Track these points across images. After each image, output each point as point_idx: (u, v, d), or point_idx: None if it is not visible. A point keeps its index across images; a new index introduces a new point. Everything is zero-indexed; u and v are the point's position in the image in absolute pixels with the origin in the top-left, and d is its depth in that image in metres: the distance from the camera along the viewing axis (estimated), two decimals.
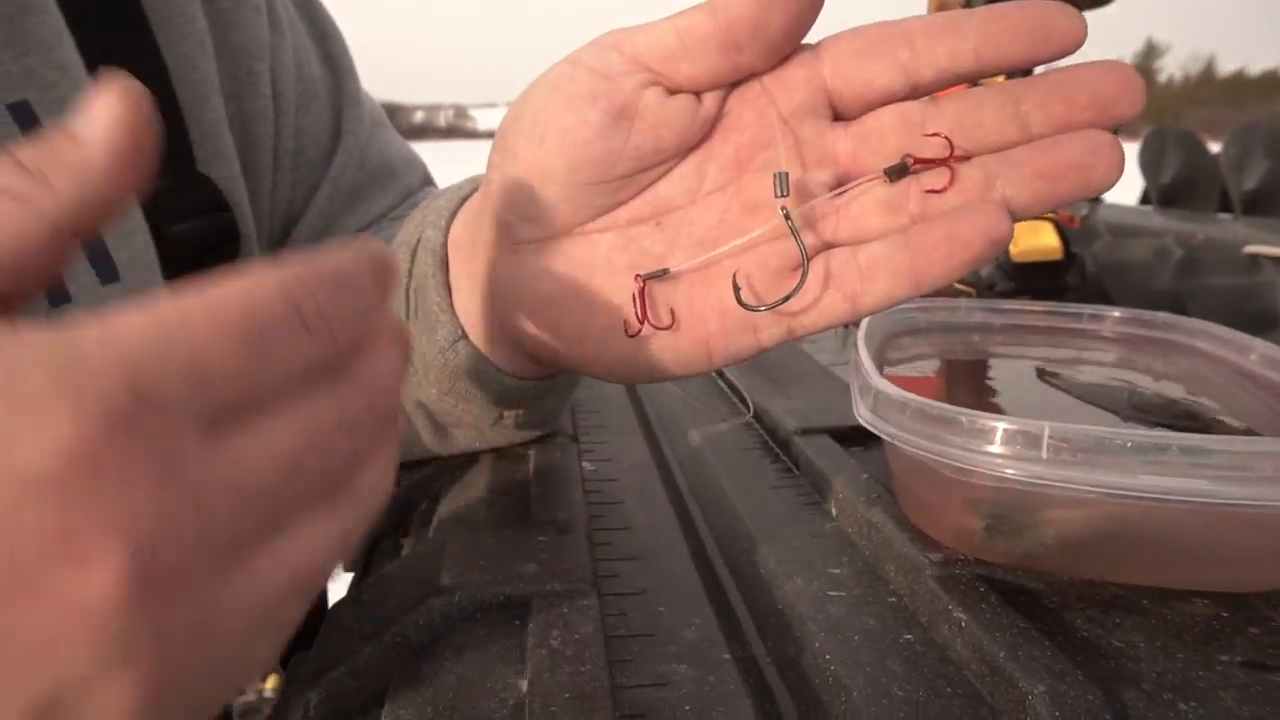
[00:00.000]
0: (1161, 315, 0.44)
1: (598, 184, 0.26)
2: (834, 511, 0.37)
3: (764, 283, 0.26)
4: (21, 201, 0.17)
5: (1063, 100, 0.23)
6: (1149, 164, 0.83)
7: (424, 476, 0.41)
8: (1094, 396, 0.35)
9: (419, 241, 0.34)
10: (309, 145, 0.44)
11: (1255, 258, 0.67)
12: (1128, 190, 1.03)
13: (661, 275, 0.26)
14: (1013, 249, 0.65)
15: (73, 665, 0.15)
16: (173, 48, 0.37)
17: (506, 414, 0.36)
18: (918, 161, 0.24)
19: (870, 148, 0.25)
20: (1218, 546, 0.27)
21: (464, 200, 0.34)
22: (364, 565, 0.38)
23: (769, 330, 0.26)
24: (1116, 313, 0.45)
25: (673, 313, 0.27)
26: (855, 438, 0.43)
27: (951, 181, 0.24)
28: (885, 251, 0.25)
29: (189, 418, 0.16)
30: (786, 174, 0.24)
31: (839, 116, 0.26)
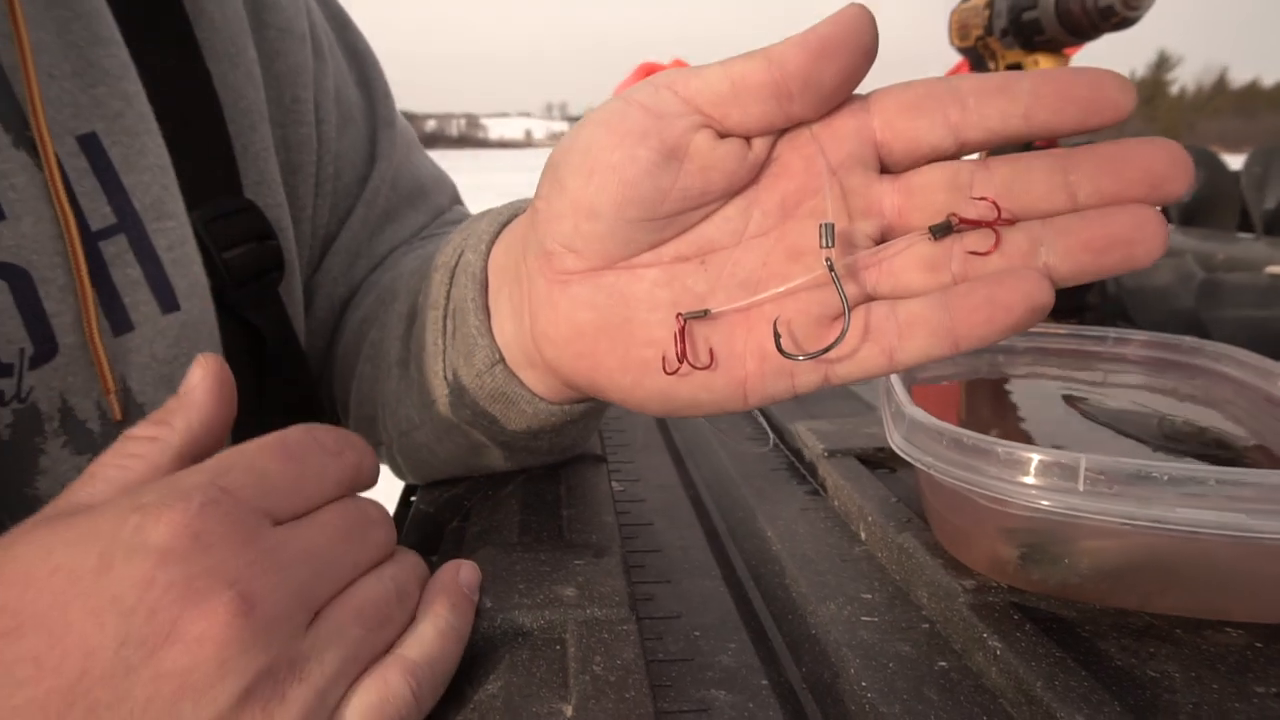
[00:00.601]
0: (1187, 340, 0.44)
1: (644, 221, 0.26)
2: (863, 535, 0.37)
3: (803, 329, 0.26)
4: (156, 440, 0.24)
5: (1113, 175, 0.23)
6: None
7: (453, 496, 0.41)
8: (1123, 424, 0.36)
9: (458, 264, 0.35)
10: (345, 168, 0.45)
11: (1277, 277, 0.67)
12: None
13: (703, 315, 0.26)
14: None
15: (204, 693, 0.20)
16: (224, 78, 0.38)
17: (540, 437, 0.36)
18: (963, 221, 0.24)
19: (916, 204, 0.25)
20: (1252, 578, 0.27)
21: (504, 225, 0.34)
22: None
23: (805, 376, 0.26)
24: (1141, 336, 0.45)
25: (711, 352, 0.27)
26: (882, 461, 0.43)
27: (996, 244, 0.24)
28: (925, 310, 0.25)
29: (259, 508, 0.23)
30: (833, 225, 0.25)
31: (886, 169, 0.26)
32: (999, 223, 0.24)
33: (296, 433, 0.25)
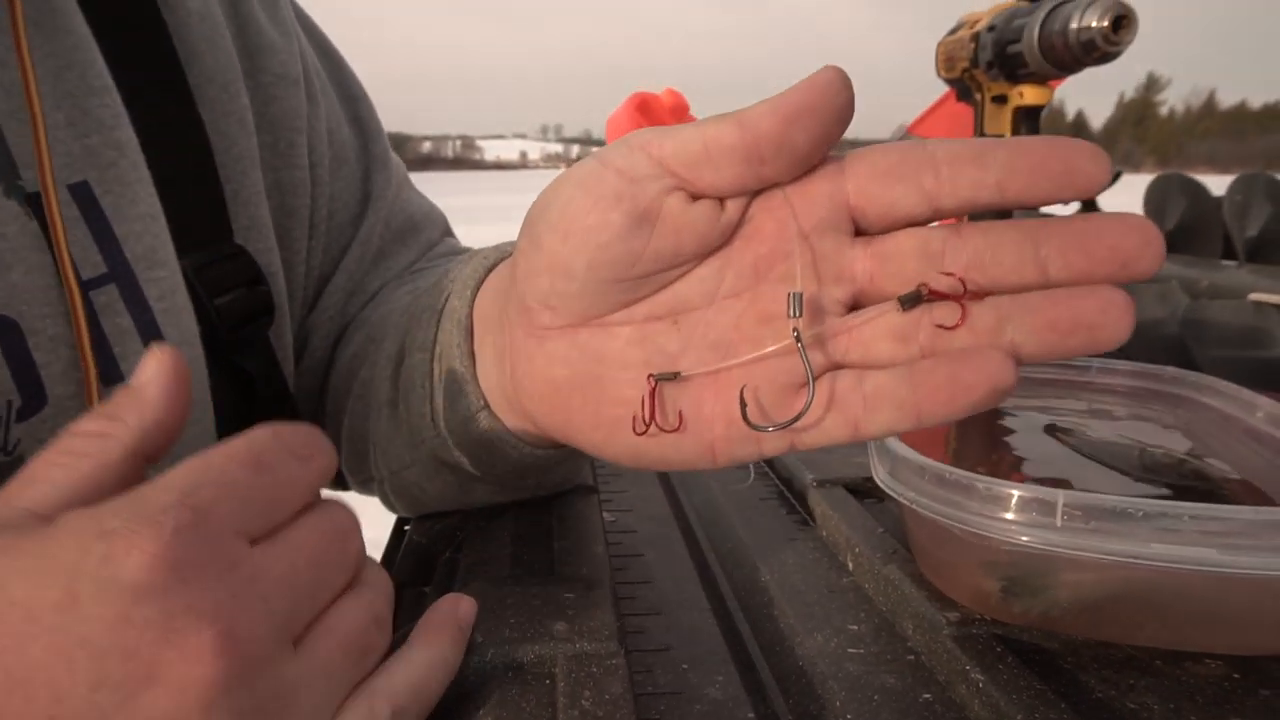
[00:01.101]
0: (1169, 370, 0.45)
1: (617, 281, 0.26)
2: (850, 566, 0.38)
3: (771, 396, 0.26)
4: (105, 437, 0.23)
5: (1082, 251, 0.23)
6: (1153, 210, 0.84)
7: (446, 526, 0.41)
8: (1104, 455, 0.36)
9: (444, 308, 0.35)
10: (339, 209, 0.45)
11: (1259, 304, 0.69)
12: None
13: (673, 378, 0.27)
14: None
15: None
16: (216, 124, 0.38)
17: (526, 476, 0.37)
18: (932, 293, 0.24)
19: (888, 270, 0.25)
20: (1228, 610, 0.27)
21: (489, 270, 0.35)
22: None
23: (772, 443, 0.27)
24: (1125, 366, 0.46)
25: (680, 415, 0.27)
26: (870, 490, 0.44)
27: (963, 320, 0.24)
28: (890, 383, 0.25)
29: (234, 529, 0.21)
30: (801, 294, 0.25)
31: (860, 231, 0.26)
32: (967, 297, 0.24)
33: (264, 438, 0.23)
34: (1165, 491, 0.33)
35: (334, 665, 0.23)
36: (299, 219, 0.43)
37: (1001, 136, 0.70)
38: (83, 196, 0.32)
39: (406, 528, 0.46)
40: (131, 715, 0.19)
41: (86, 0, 0.34)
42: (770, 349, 0.26)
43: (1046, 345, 0.24)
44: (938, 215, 0.25)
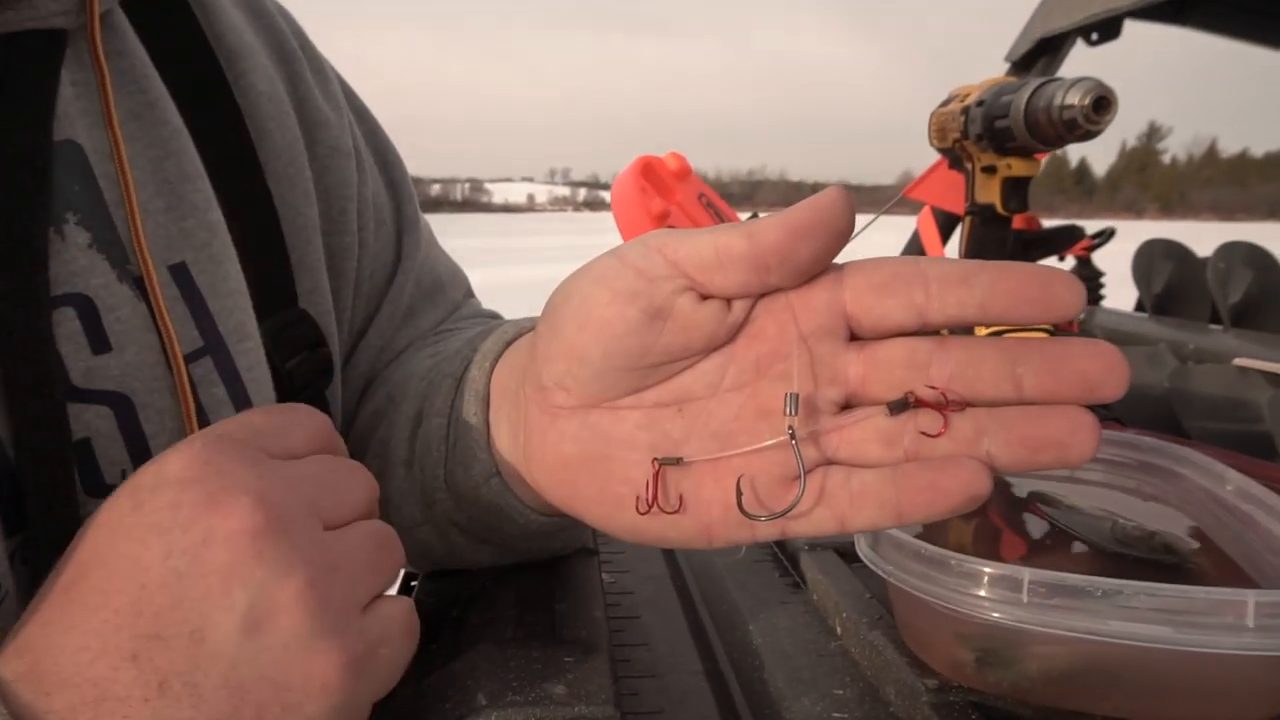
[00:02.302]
0: (1148, 440, 0.47)
1: (629, 370, 0.29)
2: (839, 630, 0.39)
3: (766, 485, 0.28)
4: None
5: (1052, 374, 0.25)
6: (1141, 274, 0.87)
7: (453, 586, 0.43)
8: (1080, 527, 0.38)
9: (464, 377, 0.37)
10: (377, 269, 0.47)
11: (1244, 370, 0.71)
12: (1126, 278, 1.07)
13: (676, 463, 0.29)
14: None
15: (250, 578, 0.23)
16: (283, 197, 0.40)
17: (532, 540, 0.39)
18: (918, 401, 0.26)
19: (878, 376, 0.27)
20: (1185, 683, 0.29)
21: (509, 344, 0.37)
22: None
23: (764, 530, 0.29)
24: (1108, 435, 0.48)
25: (681, 498, 0.29)
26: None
27: (945, 428, 0.26)
28: (875, 484, 0.27)
29: (256, 445, 0.26)
30: (798, 395, 0.27)
31: (854, 336, 0.28)
32: (949, 408, 0.26)
33: (278, 405, 0.29)
34: (1135, 565, 0.35)
35: (365, 550, 0.26)
36: (346, 281, 0.45)
37: (990, 205, 0.73)
38: (181, 277, 0.34)
39: (413, 583, 0.48)
40: (201, 569, 0.23)
41: (178, 93, 0.36)
42: (767, 443, 0.28)
43: (1019, 458, 0.26)
44: (925, 328, 0.27)
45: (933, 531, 0.38)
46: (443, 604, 0.42)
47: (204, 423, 0.34)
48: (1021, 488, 0.45)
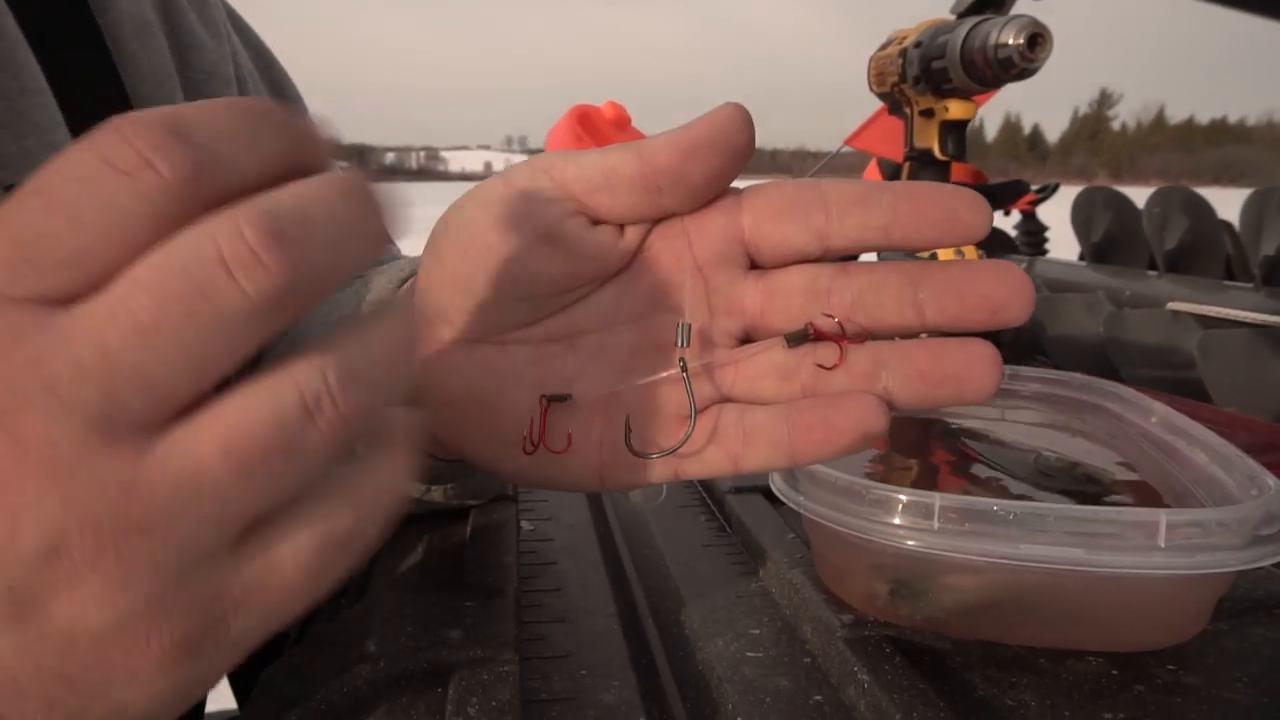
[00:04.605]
0: (1079, 377, 0.46)
1: (515, 300, 0.27)
2: (760, 571, 0.38)
3: (659, 425, 0.27)
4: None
5: (956, 297, 0.24)
6: (1080, 223, 0.87)
7: None
8: (1004, 460, 0.37)
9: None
10: None
11: (1177, 313, 0.71)
12: (1073, 244, 1.07)
13: (564, 399, 0.27)
14: None
15: (20, 551, 0.15)
16: None
17: (435, 487, 0.37)
18: (818, 333, 0.25)
19: (777, 305, 0.26)
20: (1101, 609, 0.28)
21: (404, 282, 0.35)
22: (301, 625, 0.38)
23: (655, 470, 0.27)
24: (1035, 373, 0.47)
25: (569, 437, 0.27)
26: None
27: (840, 361, 0.25)
28: (768, 421, 0.25)
29: (18, 297, 0.15)
30: (690, 325, 0.25)
31: (754, 265, 0.27)
32: (848, 340, 0.25)
33: (62, 166, 0.17)
34: (1057, 496, 0.34)
35: (207, 483, 0.16)
36: None
37: (929, 149, 0.71)
38: None
39: None
40: None
41: (17, 3, 0.34)
42: (658, 376, 0.27)
43: (917, 394, 0.25)
44: (828, 253, 0.26)
45: (850, 465, 0.36)
46: None
47: None
48: (951, 425, 0.44)
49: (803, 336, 0.25)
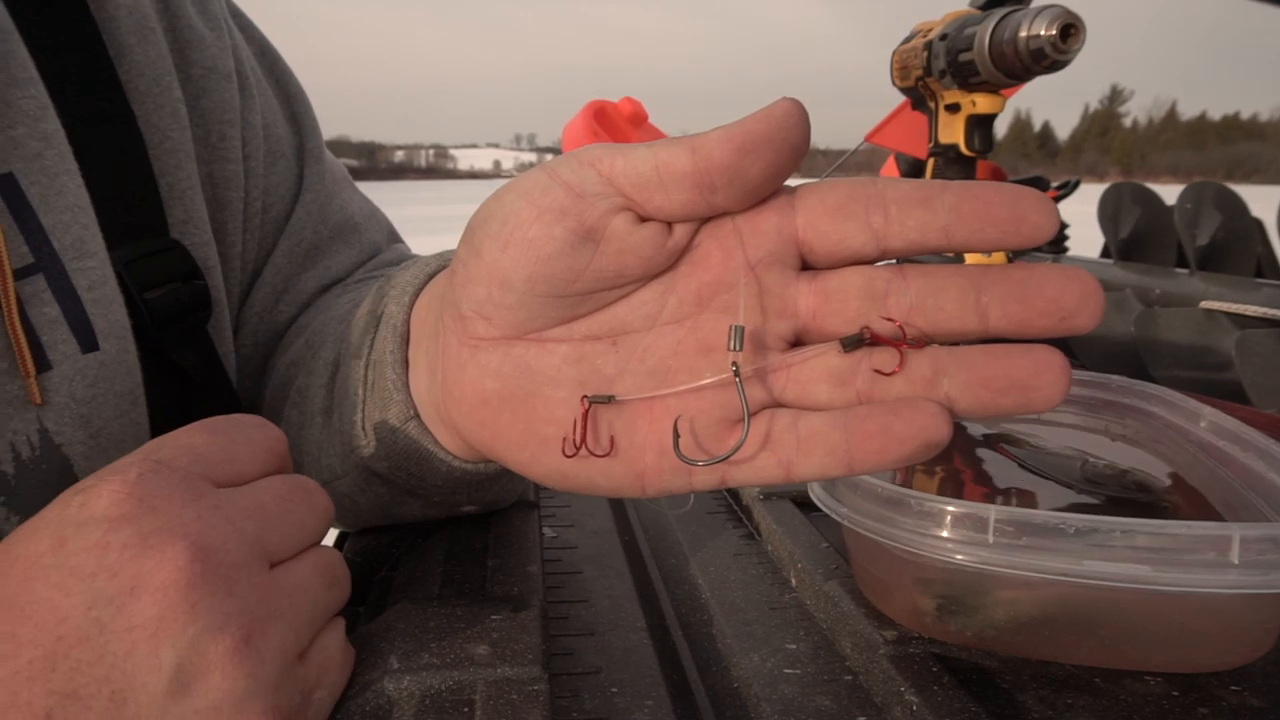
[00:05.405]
0: (1116, 379, 0.44)
1: (556, 296, 0.25)
2: (793, 582, 0.37)
3: (706, 428, 0.26)
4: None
5: (1022, 301, 0.23)
6: (1107, 219, 0.85)
7: (382, 544, 0.40)
8: (1048, 468, 0.36)
9: (382, 314, 0.34)
10: (274, 203, 0.45)
11: (1210, 312, 0.69)
12: (1093, 243, 1.05)
13: (607, 401, 0.26)
14: None
15: (182, 635, 0.21)
16: (149, 118, 0.37)
17: (457, 492, 0.36)
18: (874, 337, 0.24)
19: (832, 308, 0.25)
20: (1164, 627, 0.27)
21: (430, 277, 0.34)
22: None
23: (702, 477, 0.26)
24: (1075, 375, 0.45)
25: (612, 440, 0.26)
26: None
27: (900, 366, 0.24)
28: (824, 428, 0.24)
29: (196, 474, 0.24)
30: (743, 329, 0.24)
31: (807, 266, 0.26)
32: (908, 344, 0.23)
33: (219, 416, 0.26)
34: (1107, 504, 0.33)
35: (311, 584, 0.25)
36: (233, 212, 0.42)
37: (954, 145, 0.70)
38: (8, 189, 0.31)
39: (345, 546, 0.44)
40: (127, 623, 0.21)
41: None
42: (708, 380, 0.25)
43: (980, 401, 0.23)
44: (885, 255, 0.24)
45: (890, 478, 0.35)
46: (371, 563, 0.39)
47: (33, 342, 0.31)
48: (987, 431, 0.42)
49: (859, 341, 0.24)
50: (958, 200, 0.23)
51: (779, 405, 0.25)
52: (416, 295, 0.34)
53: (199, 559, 0.22)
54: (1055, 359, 0.23)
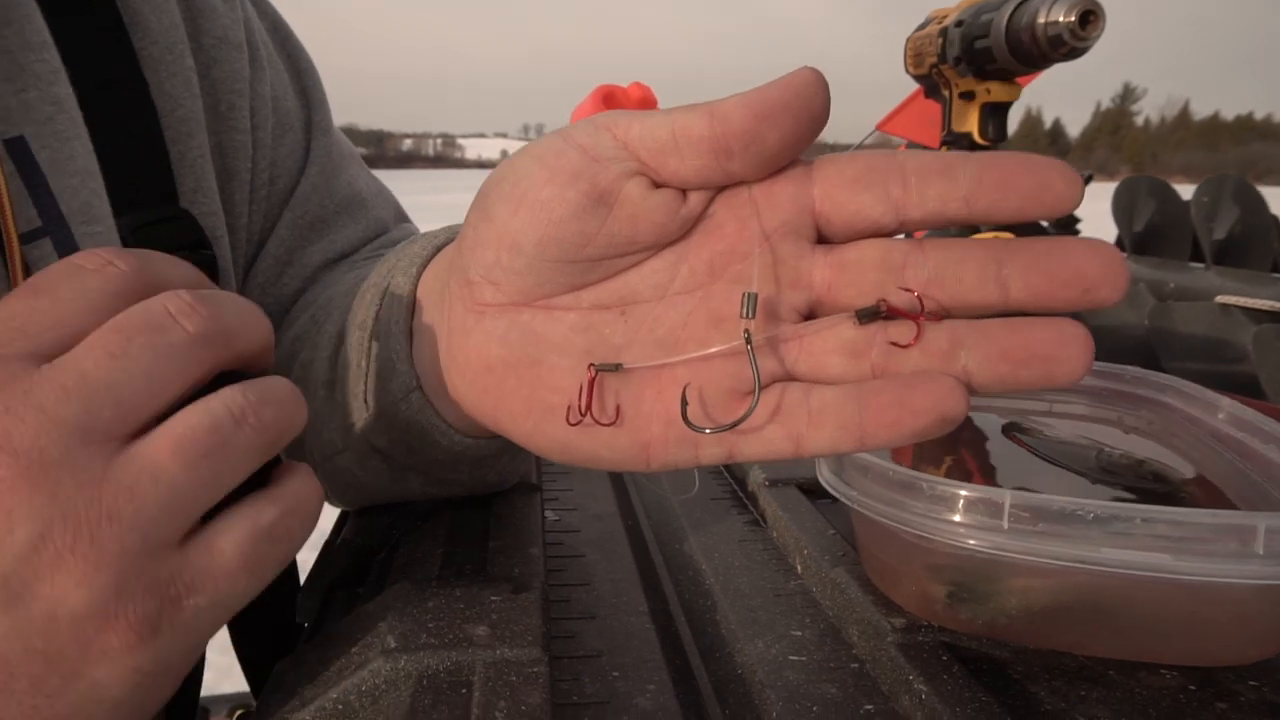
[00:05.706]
0: (1131, 370, 0.44)
1: (566, 262, 0.25)
2: (799, 569, 0.36)
3: (715, 398, 0.25)
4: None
5: (1045, 273, 0.22)
6: (1121, 212, 0.84)
7: (383, 524, 0.40)
8: (1062, 456, 0.35)
9: (389, 285, 0.34)
10: (281, 175, 0.44)
11: (1226, 307, 0.68)
12: (1104, 236, 1.04)
13: (615, 369, 0.25)
14: None
15: (12, 545, 0.19)
16: (161, 86, 0.37)
17: (458, 469, 0.35)
18: (890, 310, 0.23)
19: (847, 279, 0.24)
20: (1182, 619, 0.26)
21: (439, 249, 0.33)
22: (316, 618, 0.37)
23: (710, 449, 0.25)
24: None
25: (618, 409, 0.26)
26: (824, 490, 0.42)
27: (917, 338, 0.23)
28: (836, 401, 0.24)
29: (8, 355, 0.21)
30: (756, 296, 0.24)
31: (823, 239, 0.25)
32: (924, 317, 0.23)
33: (46, 269, 0.22)
34: (1123, 494, 0.32)
35: (166, 467, 0.21)
36: (240, 182, 0.42)
37: (968, 134, 0.69)
38: (19, 152, 0.31)
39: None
40: None
41: None
42: (719, 348, 0.25)
43: (999, 375, 0.23)
44: (903, 227, 0.24)
45: (899, 459, 0.34)
46: (370, 543, 0.39)
47: None
48: (998, 420, 0.42)
49: (875, 313, 0.23)
50: (980, 169, 0.22)
51: (791, 379, 0.25)
52: (424, 267, 0.33)
53: (6, 463, 0.19)
54: (1079, 330, 0.22)
